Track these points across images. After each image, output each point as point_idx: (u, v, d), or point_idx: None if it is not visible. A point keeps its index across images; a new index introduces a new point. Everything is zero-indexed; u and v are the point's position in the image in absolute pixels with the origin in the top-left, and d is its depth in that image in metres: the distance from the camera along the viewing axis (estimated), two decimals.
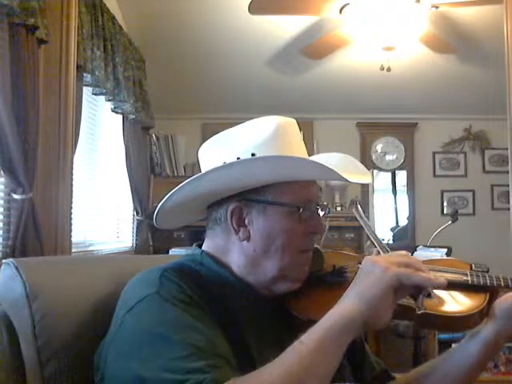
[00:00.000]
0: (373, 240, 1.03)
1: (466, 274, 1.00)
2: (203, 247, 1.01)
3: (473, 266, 1.04)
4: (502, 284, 0.97)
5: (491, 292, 0.98)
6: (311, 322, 0.91)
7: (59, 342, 0.90)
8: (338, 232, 4.32)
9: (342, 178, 0.89)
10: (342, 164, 1.04)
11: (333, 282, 1.00)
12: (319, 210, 0.98)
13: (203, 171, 0.95)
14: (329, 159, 1.04)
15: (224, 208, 0.95)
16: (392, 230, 4.81)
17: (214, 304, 0.87)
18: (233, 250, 0.96)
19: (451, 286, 0.98)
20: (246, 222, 0.94)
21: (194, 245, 1.04)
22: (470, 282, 0.99)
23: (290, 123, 0.99)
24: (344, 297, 0.82)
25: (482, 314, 0.96)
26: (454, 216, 3.03)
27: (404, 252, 0.86)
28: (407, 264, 0.81)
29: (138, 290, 0.87)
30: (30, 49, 1.99)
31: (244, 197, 0.94)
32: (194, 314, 0.81)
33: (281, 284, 0.95)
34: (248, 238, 0.94)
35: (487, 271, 1.02)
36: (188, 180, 0.90)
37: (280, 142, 0.94)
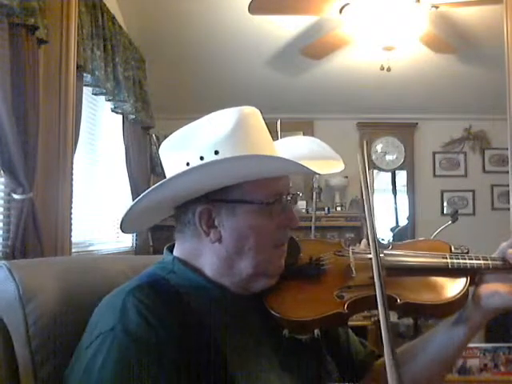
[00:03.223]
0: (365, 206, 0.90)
1: (446, 257, 0.98)
2: (174, 252, 0.97)
3: (452, 247, 1.02)
4: (482, 266, 0.96)
5: (472, 275, 0.96)
6: (290, 319, 0.90)
7: (53, 343, 0.90)
8: (337, 232, 4.32)
9: (311, 171, 0.86)
10: (311, 150, 1.01)
11: (310, 274, 0.97)
12: (291, 201, 0.94)
13: (166, 173, 0.92)
14: (297, 146, 1.01)
15: (192, 210, 0.91)
16: (392, 230, 4.80)
17: (184, 318, 0.83)
18: (205, 252, 0.92)
19: (431, 271, 0.97)
20: (216, 223, 0.90)
21: (165, 247, 1.00)
22: (449, 265, 0.97)
23: (252, 113, 0.94)
24: None
25: (465, 297, 0.94)
26: (454, 216, 3.03)
27: None
28: None
29: (104, 317, 0.83)
30: (30, 49, 1.99)
31: (211, 198, 0.90)
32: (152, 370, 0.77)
33: (257, 282, 0.93)
34: (219, 240, 0.90)
35: (467, 252, 1.00)
36: (151, 188, 0.86)
37: (243, 136, 0.90)
